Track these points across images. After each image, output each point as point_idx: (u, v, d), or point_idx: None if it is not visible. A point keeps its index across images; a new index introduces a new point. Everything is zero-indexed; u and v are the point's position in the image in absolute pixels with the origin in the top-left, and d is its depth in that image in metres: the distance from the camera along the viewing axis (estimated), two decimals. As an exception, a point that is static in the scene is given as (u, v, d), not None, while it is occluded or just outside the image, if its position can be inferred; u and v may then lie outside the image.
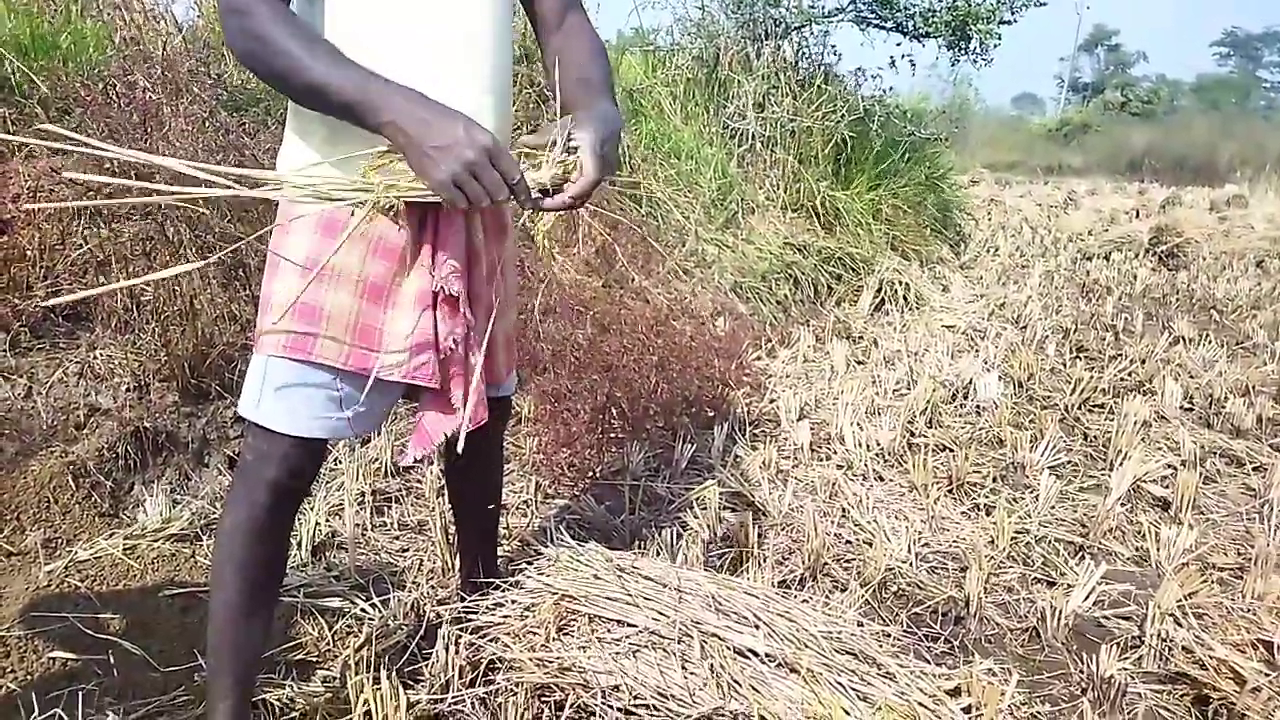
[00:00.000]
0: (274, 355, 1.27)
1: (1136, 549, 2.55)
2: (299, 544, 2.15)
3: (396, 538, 2.33)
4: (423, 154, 1.07)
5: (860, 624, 1.81)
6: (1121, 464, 2.92)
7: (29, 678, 1.68)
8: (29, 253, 2.53)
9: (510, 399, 1.76)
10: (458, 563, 2.05)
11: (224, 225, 2.64)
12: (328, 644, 1.84)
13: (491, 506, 1.87)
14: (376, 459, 2.63)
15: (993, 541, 2.47)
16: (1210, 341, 4.66)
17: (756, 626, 1.70)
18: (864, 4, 6.83)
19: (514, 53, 1.42)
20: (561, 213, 1.26)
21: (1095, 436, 3.37)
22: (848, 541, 2.44)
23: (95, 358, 2.45)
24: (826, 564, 2.27)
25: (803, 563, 2.24)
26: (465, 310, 1.34)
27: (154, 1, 3.47)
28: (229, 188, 1.13)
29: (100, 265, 2.56)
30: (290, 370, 1.27)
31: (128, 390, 2.43)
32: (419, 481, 2.58)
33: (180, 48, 3.20)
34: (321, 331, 1.27)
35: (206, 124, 2.73)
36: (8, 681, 1.66)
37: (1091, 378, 3.77)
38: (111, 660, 1.72)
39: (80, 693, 1.62)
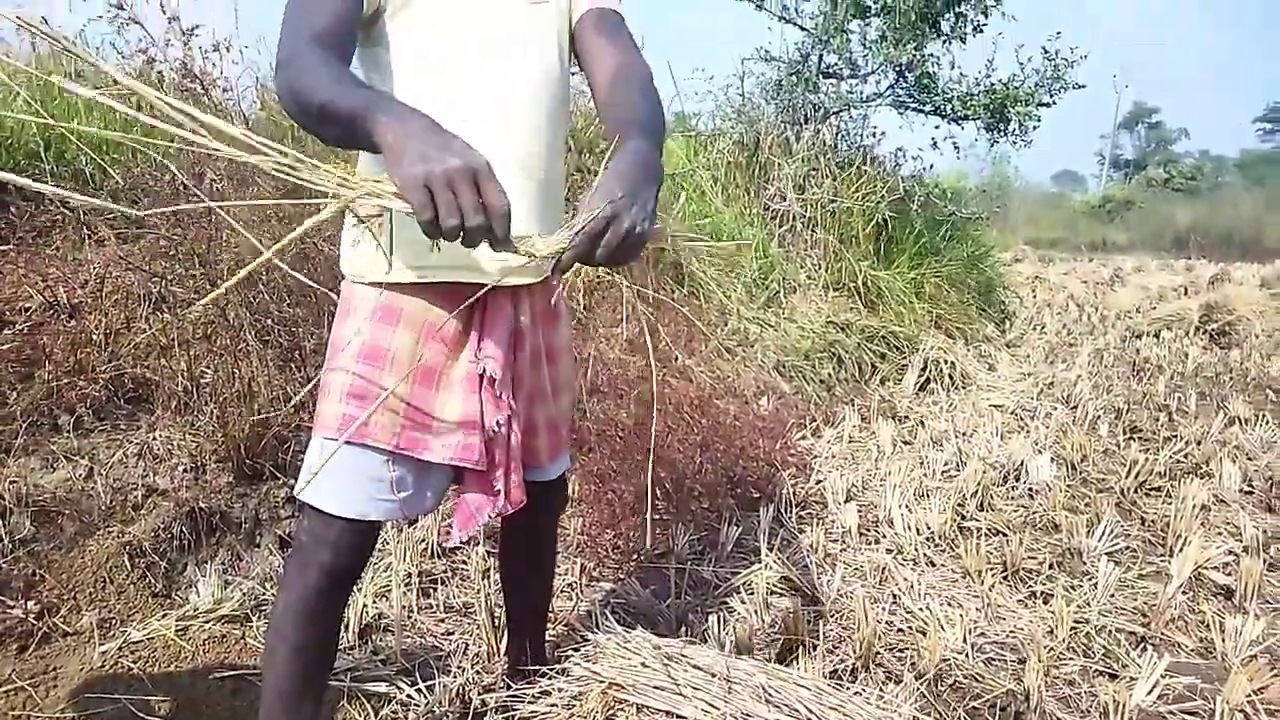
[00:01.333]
0: (329, 437, 1.32)
1: (1200, 640, 2.45)
2: (345, 626, 2.15)
3: (442, 620, 2.32)
4: (403, 152, 0.97)
5: (916, 719, 1.76)
6: (1181, 550, 2.83)
7: (80, 761, 1.69)
8: (95, 337, 2.63)
9: (562, 484, 1.76)
10: (504, 647, 2.04)
11: (283, 310, 2.72)
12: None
13: (542, 592, 1.87)
14: (423, 540, 2.64)
15: (1051, 631, 2.39)
16: (1267, 422, 4.54)
17: (809, 720, 1.66)
18: (902, 89, 6.95)
19: (567, 146, 1.44)
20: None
21: (1153, 521, 3.28)
22: (900, 630, 2.39)
23: (154, 439, 2.51)
24: (879, 653, 2.22)
25: (854, 652, 2.19)
26: (506, 395, 1.38)
27: (223, 98, 3.65)
28: (280, 164, 1.10)
29: (164, 349, 2.65)
30: (344, 453, 1.30)
31: (184, 471, 2.49)
32: (464, 563, 2.59)
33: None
34: (375, 414, 1.31)
35: (271, 214, 2.83)
36: (60, 764, 1.67)
37: (1146, 459, 3.68)
38: (161, 744, 1.73)
39: (130, 777, 1.62)
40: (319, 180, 1.05)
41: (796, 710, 1.71)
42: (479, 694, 1.94)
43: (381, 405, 1.31)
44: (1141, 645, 2.39)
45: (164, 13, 3.52)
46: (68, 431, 2.43)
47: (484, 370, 1.35)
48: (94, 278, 2.78)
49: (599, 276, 4.26)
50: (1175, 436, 4.24)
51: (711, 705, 1.70)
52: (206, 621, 2.15)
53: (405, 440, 1.33)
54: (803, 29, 6.92)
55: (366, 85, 1.11)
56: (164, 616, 2.14)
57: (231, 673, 1.99)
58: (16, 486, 2.20)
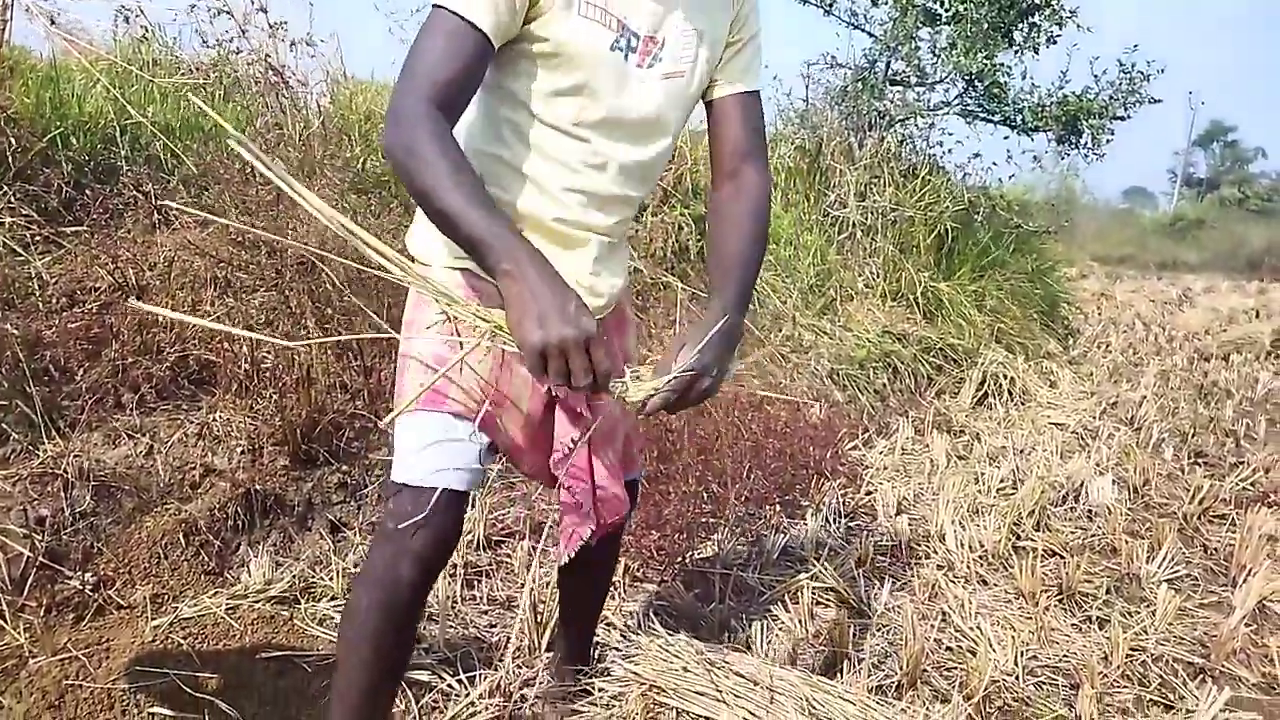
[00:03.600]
0: (410, 412, 1.32)
1: (1264, 674, 2.36)
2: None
3: (485, 612, 2.33)
4: (524, 313, 1.05)
5: (963, 740, 1.71)
6: (1245, 581, 2.73)
7: (130, 731, 1.72)
8: (162, 318, 2.69)
9: (632, 492, 1.74)
10: (546, 642, 2.04)
11: (344, 299, 2.76)
12: (414, 717, 1.84)
13: (596, 599, 1.87)
14: (469, 532, 2.66)
15: (1106, 658, 2.32)
16: (1342, 452, 4.35)
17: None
18: (971, 98, 6.82)
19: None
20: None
21: (1216, 549, 3.17)
22: (949, 648, 2.33)
23: (214, 420, 2.56)
24: (926, 671, 2.17)
25: (901, 668, 2.14)
26: (584, 411, 1.41)
27: (298, 91, 3.72)
28: (363, 254, 1.16)
29: (227, 333, 2.70)
30: (430, 426, 1.32)
31: (242, 452, 2.53)
32: (509, 556, 2.59)
33: (319, 133, 3.42)
34: (455, 388, 1.33)
35: (337, 205, 2.88)
36: (110, 734, 1.70)
37: (1212, 486, 3.56)
38: (206, 719, 1.75)
39: (176, 751, 1.65)
40: (455, 305, 1.19)
41: (840, 724, 1.68)
42: (519, 688, 1.93)
43: (461, 383, 1.33)
44: (1200, 677, 2.30)
45: (253, 3, 3.60)
46: (131, 409, 2.49)
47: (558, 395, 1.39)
48: (163, 260, 2.85)
49: (653, 278, 4.26)
50: (1242, 463, 4.09)
51: (752, 715, 1.68)
52: (256, 601, 2.18)
53: (483, 415, 1.35)
54: (871, 35, 6.84)
55: (483, 191, 1.12)
56: (215, 594, 2.18)
57: (279, 653, 2.02)
58: (79, 461, 2.25)
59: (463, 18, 1.15)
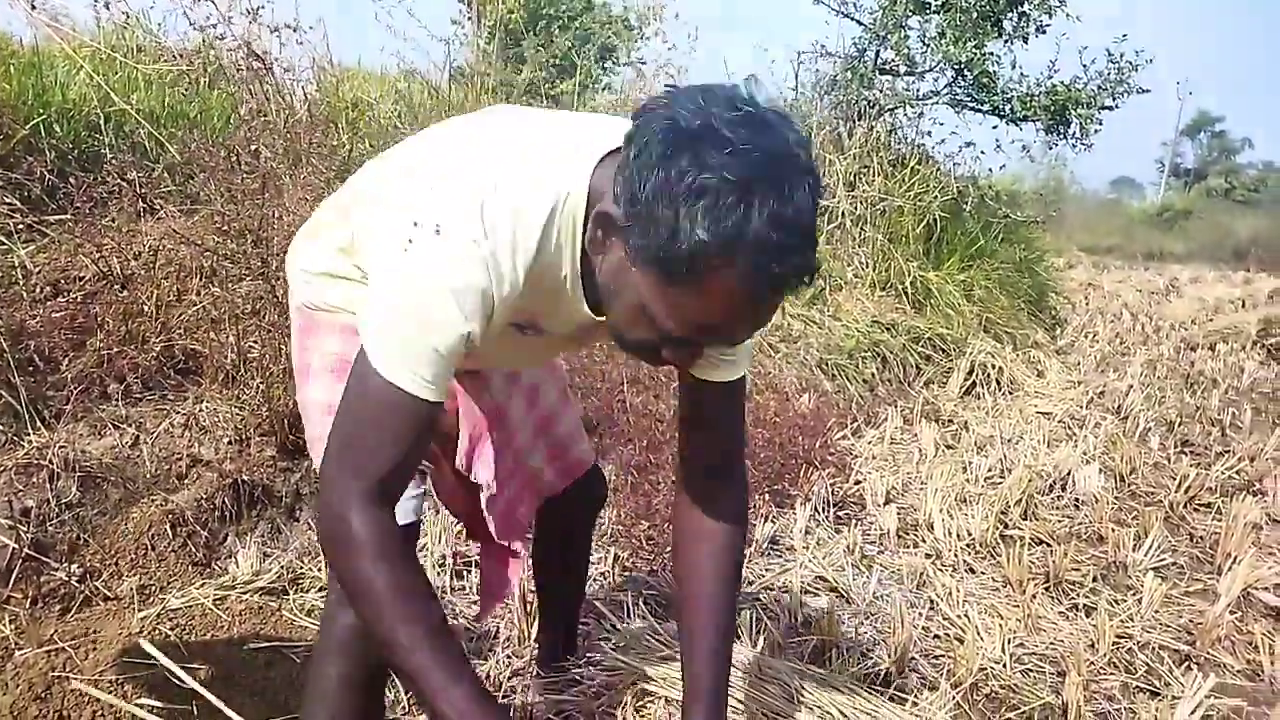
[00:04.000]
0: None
1: (1248, 661, 2.38)
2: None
3: (474, 603, 2.33)
4: None
5: (951, 727, 1.72)
6: (1231, 568, 2.75)
7: (117, 723, 1.71)
8: (147, 308, 2.67)
9: (597, 479, 1.74)
10: (534, 633, 2.04)
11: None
12: (404, 708, 1.84)
13: (573, 588, 1.87)
14: (458, 523, 2.65)
15: (1093, 645, 2.33)
16: (1326, 441, 4.39)
17: (842, 722, 1.64)
18: (960, 87, 6.82)
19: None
20: None
21: (1202, 537, 3.20)
22: (937, 636, 2.34)
23: (201, 410, 2.55)
24: (914, 659, 2.18)
25: (889, 656, 2.15)
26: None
27: (283, 78, 3.69)
28: None
29: (214, 322, 2.69)
30: None
31: (228, 443, 2.52)
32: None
33: (304, 121, 3.39)
34: None
35: (324, 192, 2.86)
36: (97, 725, 1.70)
37: (1198, 475, 3.58)
38: (195, 711, 1.74)
39: (164, 742, 1.64)
40: None
41: (828, 712, 1.69)
42: (509, 677, 1.93)
43: None
44: (1186, 664, 2.32)
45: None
46: (116, 400, 2.47)
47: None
48: (147, 249, 2.82)
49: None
50: (1228, 452, 4.12)
51: (741, 704, 1.68)
52: (245, 592, 2.17)
53: None
54: (860, 24, 6.83)
55: (457, 657, 1.00)
56: (203, 585, 2.16)
57: (267, 644, 2.01)
58: (65, 452, 2.23)
59: (409, 394, 0.98)
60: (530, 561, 1.83)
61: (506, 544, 1.51)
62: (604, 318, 1.05)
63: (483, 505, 1.43)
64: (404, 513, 1.20)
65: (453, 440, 1.40)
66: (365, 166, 1.29)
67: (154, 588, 2.14)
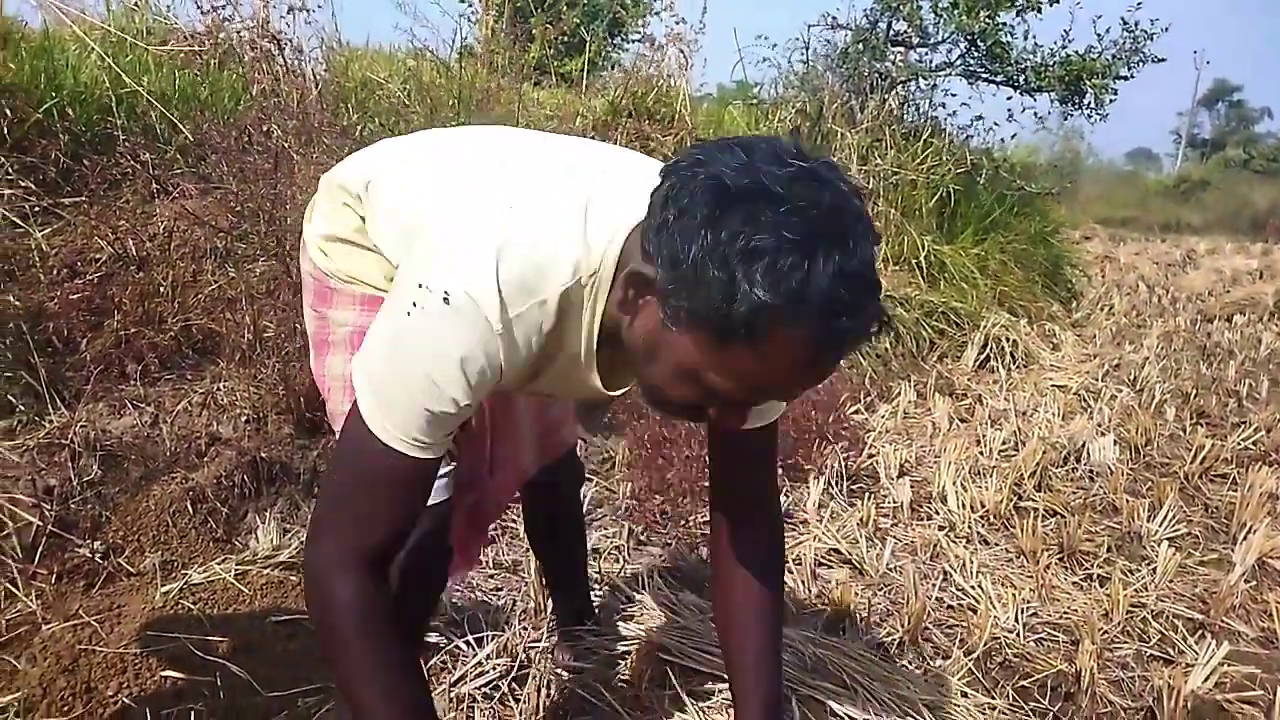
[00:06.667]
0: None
1: (1263, 629, 2.39)
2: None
3: (491, 576, 2.35)
4: None
5: (964, 694, 1.74)
6: (1246, 538, 2.75)
7: (142, 694, 1.75)
8: (163, 289, 2.70)
9: (570, 459, 1.76)
10: (551, 605, 2.06)
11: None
12: (422, 680, 1.86)
13: (566, 556, 1.90)
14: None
15: (1106, 614, 2.34)
16: (1344, 411, 4.36)
17: (855, 691, 1.65)
18: (973, 58, 6.74)
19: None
20: None
21: (1217, 508, 3.19)
22: (950, 606, 2.36)
23: (219, 389, 2.57)
24: (927, 629, 2.20)
25: (902, 626, 2.17)
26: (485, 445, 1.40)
27: (294, 58, 3.69)
28: None
29: (230, 302, 2.71)
30: None
31: (247, 421, 2.55)
32: (514, 521, 2.61)
33: (315, 100, 3.40)
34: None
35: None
36: (123, 697, 1.73)
37: (1213, 445, 3.57)
38: (218, 682, 1.78)
39: (190, 711, 1.68)
40: None
41: (843, 681, 1.71)
42: (526, 649, 1.96)
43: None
44: (1200, 632, 2.33)
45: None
46: (135, 380, 2.50)
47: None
48: (162, 231, 2.84)
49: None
50: (1244, 423, 4.09)
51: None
52: (265, 567, 2.21)
53: None
54: (872, -5, 6.75)
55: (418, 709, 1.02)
56: (224, 561, 2.20)
57: (287, 617, 2.04)
58: (86, 431, 2.27)
59: (408, 457, 0.97)
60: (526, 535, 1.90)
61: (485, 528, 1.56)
62: (615, 391, 1.05)
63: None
64: (436, 491, 1.17)
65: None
66: (381, 147, 1.28)
67: (176, 563, 2.18)
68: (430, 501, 1.10)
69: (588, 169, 1.06)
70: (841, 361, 0.93)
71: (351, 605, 0.97)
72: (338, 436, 1.02)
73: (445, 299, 0.90)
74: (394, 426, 0.95)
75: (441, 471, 1.18)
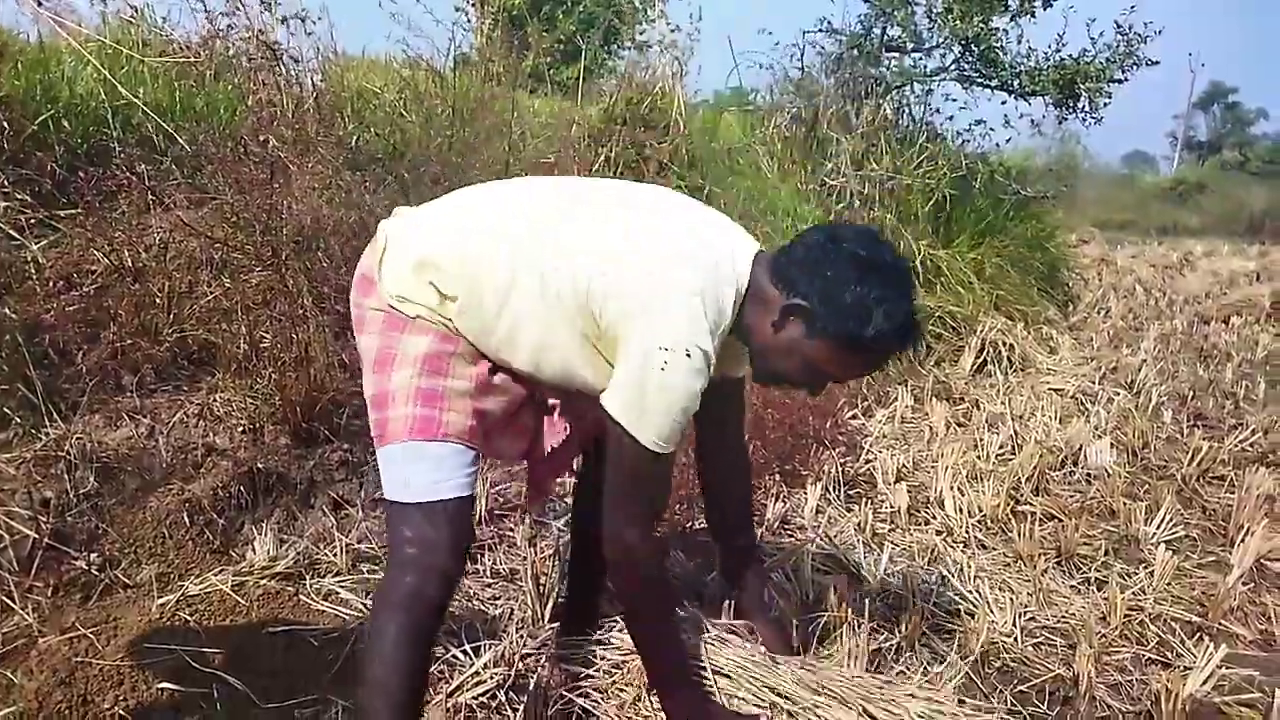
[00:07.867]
0: (405, 441, 1.41)
1: (1261, 631, 2.39)
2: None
3: (488, 585, 2.35)
4: None
5: (961, 701, 1.73)
6: (1243, 540, 2.75)
7: (139, 707, 1.75)
8: (159, 300, 2.70)
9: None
10: (548, 614, 2.06)
11: (340, 278, 2.76)
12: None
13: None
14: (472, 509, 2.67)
15: (1104, 618, 2.34)
16: (1341, 412, 4.36)
17: (849, 705, 1.65)
18: (967, 63, 6.75)
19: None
20: None
21: (1215, 510, 3.19)
22: (947, 611, 2.35)
23: (215, 400, 2.57)
24: (925, 634, 2.19)
25: (900, 631, 2.17)
26: (561, 420, 1.68)
27: (290, 68, 3.69)
28: None
29: (225, 313, 2.71)
30: (428, 448, 1.41)
31: (243, 432, 2.55)
32: (511, 531, 2.61)
33: (311, 111, 3.40)
34: (448, 415, 1.42)
35: (331, 181, 2.87)
36: (120, 710, 1.73)
37: (1211, 448, 3.57)
38: (215, 694, 1.78)
39: (186, 724, 1.68)
40: None
41: (838, 694, 1.70)
42: (522, 657, 1.95)
43: (450, 407, 1.43)
44: (1198, 635, 2.33)
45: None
46: (131, 391, 2.50)
47: (540, 401, 1.63)
48: (158, 242, 2.85)
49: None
50: (1241, 425, 4.10)
51: (752, 682, 1.70)
52: (261, 578, 2.20)
53: (472, 433, 1.46)
54: (866, 0, 6.77)
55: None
56: (220, 572, 2.20)
57: (284, 628, 2.04)
58: (82, 443, 2.27)
59: (668, 452, 1.44)
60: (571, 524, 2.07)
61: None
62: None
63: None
64: (462, 486, 1.44)
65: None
66: (456, 214, 1.54)
67: (173, 575, 2.18)
68: (461, 492, 1.43)
69: (668, 207, 1.54)
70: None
71: (651, 552, 1.54)
72: (616, 456, 1.44)
73: (688, 354, 1.36)
74: (662, 440, 1.41)
75: (465, 471, 1.44)
